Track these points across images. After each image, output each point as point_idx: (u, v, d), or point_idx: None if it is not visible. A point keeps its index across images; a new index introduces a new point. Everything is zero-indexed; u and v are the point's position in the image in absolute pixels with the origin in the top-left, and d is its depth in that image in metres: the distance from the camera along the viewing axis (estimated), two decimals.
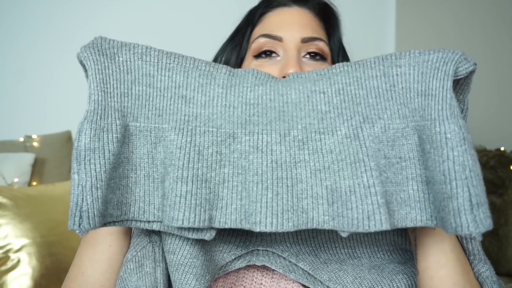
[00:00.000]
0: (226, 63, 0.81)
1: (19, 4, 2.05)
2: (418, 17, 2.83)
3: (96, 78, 0.57)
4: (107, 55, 0.60)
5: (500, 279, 2.13)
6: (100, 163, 0.53)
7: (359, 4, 2.88)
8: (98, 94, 0.55)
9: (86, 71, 0.59)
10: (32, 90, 2.07)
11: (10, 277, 1.51)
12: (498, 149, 2.13)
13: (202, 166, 0.57)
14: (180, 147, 0.56)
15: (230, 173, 0.57)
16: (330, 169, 0.55)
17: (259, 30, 0.78)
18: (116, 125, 0.55)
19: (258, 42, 0.76)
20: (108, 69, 0.59)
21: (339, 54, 0.80)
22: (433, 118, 0.54)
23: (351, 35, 2.75)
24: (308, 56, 0.75)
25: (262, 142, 0.57)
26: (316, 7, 0.80)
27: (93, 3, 2.17)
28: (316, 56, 0.75)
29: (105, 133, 0.54)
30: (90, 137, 0.53)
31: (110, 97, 0.56)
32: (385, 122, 0.56)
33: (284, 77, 0.71)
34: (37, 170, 1.87)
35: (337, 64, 0.58)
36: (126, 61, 0.61)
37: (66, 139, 2.00)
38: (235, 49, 0.80)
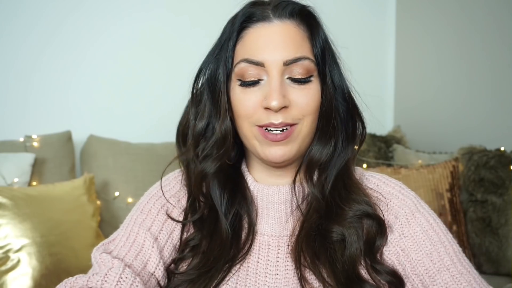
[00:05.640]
0: (211, 76, 0.80)
1: (23, 8, 2.05)
2: (417, 20, 2.83)
3: None
4: None
5: (500, 279, 2.12)
6: None
7: (360, 7, 2.88)
8: None
9: None
10: (32, 90, 2.07)
11: (10, 277, 1.51)
12: (498, 149, 2.13)
13: None
14: None
15: None
16: None
17: (240, 50, 0.77)
18: None
19: (240, 67, 0.76)
20: None
21: (324, 60, 0.77)
22: None
23: (351, 38, 2.74)
24: (292, 79, 0.75)
25: None
26: (298, 16, 0.77)
27: (93, 8, 2.17)
28: (300, 80, 0.75)
29: None
30: None
31: None
32: None
33: (266, 108, 0.73)
34: (37, 170, 1.87)
35: None
36: None
37: (66, 139, 2.00)
38: (220, 64, 0.79)
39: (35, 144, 1.90)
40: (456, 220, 2.07)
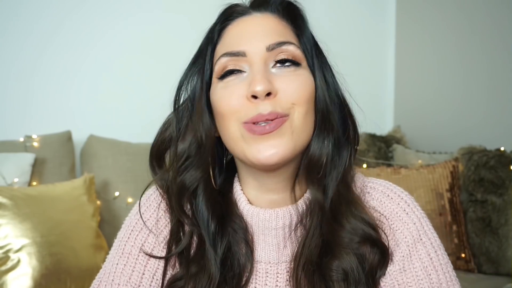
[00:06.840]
0: (192, 90, 0.74)
1: (23, 8, 2.05)
2: (417, 21, 2.83)
3: None
4: None
5: (500, 279, 2.12)
6: None
7: (360, 8, 2.88)
8: None
9: None
10: (32, 90, 2.07)
11: (10, 277, 1.51)
12: (498, 149, 2.13)
13: None
14: None
15: None
16: None
17: (220, 48, 0.71)
18: None
19: (220, 63, 0.69)
20: None
21: (313, 54, 0.71)
22: None
23: (352, 39, 2.74)
24: (278, 65, 0.68)
25: None
26: (279, 8, 0.71)
27: (94, 8, 2.17)
28: (286, 63, 0.68)
29: None
30: None
31: None
32: None
33: (253, 96, 0.65)
34: (37, 170, 1.87)
35: None
36: None
37: (66, 139, 2.00)
38: (198, 74, 0.73)
39: (35, 144, 1.90)
40: (456, 220, 2.07)
